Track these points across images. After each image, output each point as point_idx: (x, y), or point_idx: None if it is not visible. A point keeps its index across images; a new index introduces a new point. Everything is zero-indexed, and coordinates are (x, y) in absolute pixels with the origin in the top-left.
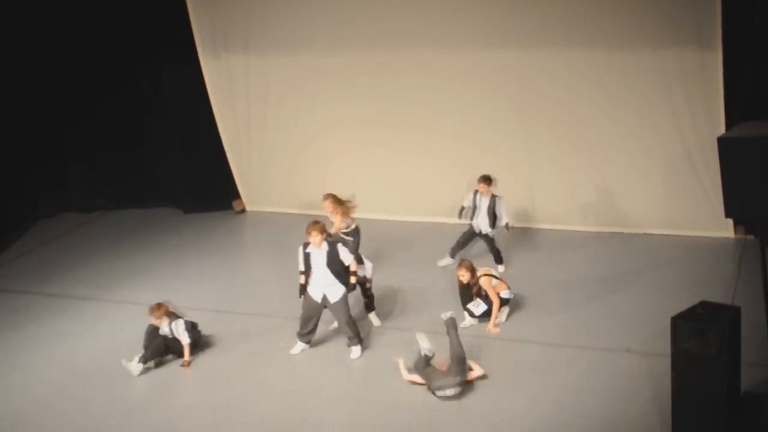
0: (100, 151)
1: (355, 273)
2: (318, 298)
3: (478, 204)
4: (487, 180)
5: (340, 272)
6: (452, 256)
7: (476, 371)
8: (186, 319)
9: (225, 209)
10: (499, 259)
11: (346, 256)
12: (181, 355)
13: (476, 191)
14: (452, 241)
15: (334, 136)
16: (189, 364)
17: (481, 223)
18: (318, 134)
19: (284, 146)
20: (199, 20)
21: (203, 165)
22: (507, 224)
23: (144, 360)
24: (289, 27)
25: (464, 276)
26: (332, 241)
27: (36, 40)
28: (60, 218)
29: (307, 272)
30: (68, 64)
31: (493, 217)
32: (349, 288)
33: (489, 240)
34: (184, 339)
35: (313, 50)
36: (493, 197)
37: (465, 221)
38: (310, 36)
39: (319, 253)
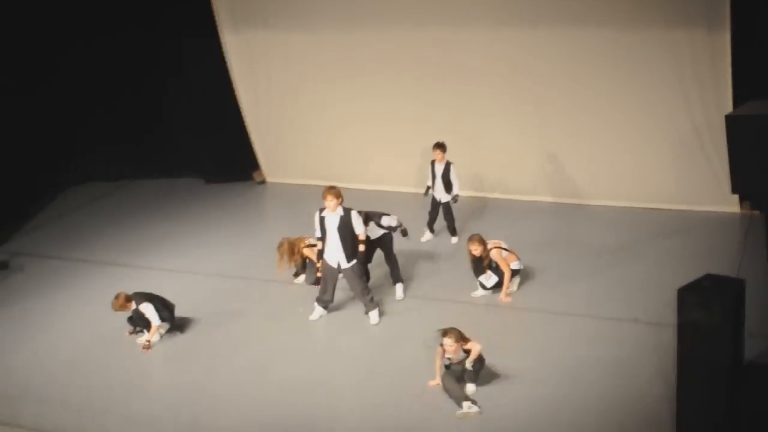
0: (125, 122)
1: (363, 242)
2: (333, 263)
3: (435, 172)
4: (441, 147)
5: (351, 239)
6: (431, 230)
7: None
8: (157, 303)
9: (246, 180)
10: (453, 231)
11: (358, 226)
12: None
13: (433, 161)
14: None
15: (351, 109)
16: (149, 346)
17: (438, 191)
18: (335, 108)
19: (303, 119)
20: None
21: (224, 137)
22: (456, 196)
23: (140, 331)
24: (308, 4)
25: (476, 249)
26: (348, 208)
27: (64, 14)
28: (87, 187)
29: (323, 237)
30: (95, 37)
31: (449, 184)
32: (358, 257)
33: (447, 209)
34: (154, 320)
35: (332, 26)
36: (448, 164)
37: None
38: (329, 11)
39: (333, 217)
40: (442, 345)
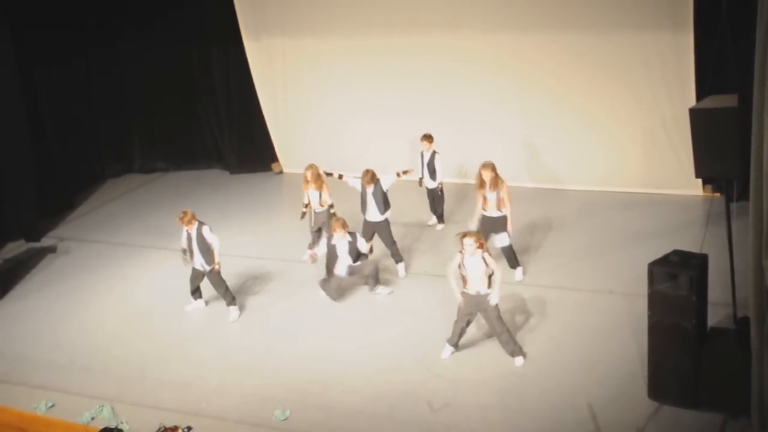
0: (159, 121)
1: (371, 252)
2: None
3: (422, 161)
4: (428, 137)
5: (358, 256)
6: (434, 213)
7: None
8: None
9: (266, 171)
10: (440, 218)
11: (363, 245)
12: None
13: (422, 151)
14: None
15: (357, 106)
16: (219, 265)
17: (425, 178)
18: (344, 105)
19: (315, 116)
20: (243, 9)
21: (247, 133)
22: (440, 184)
23: (196, 297)
24: (319, 14)
25: (488, 175)
26: (353, 232)
27: (100, 21)
28: (126, 178)
29: (332, 259)
30: (132, 42)
31: (434, 172)
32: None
33: (437, 197)
34: (215, 242)
35: (340, 34)
36: (433, 153)
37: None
38: (337, 22)
39: (342, 243)
40: (461, 251)
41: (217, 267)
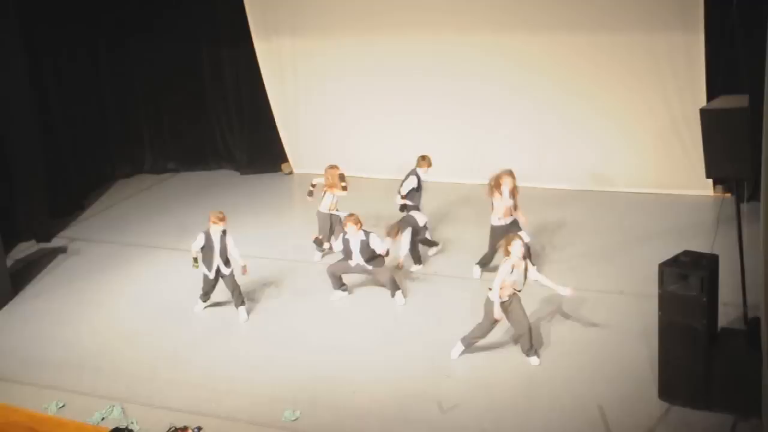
0: (170, 121)
1: (386, 255)
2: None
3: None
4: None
5: (373, 256)
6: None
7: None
8: None
9: (276, 171)
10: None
11: (378, 245)
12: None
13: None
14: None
15: (367, 108)
16: (246, 268)
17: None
18: (353, 107)
19: (325, 117)
20: (253, 9)
21: (257, 133)
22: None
23: (205, 299)
24: (329, 15)
25: (510, 183)
26: (367, 231)
27: (110, 21)
28: (136, 179)
29: (347, 255)
30: (146, 47)
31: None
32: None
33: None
34: (235, 251)
35: (351, 35)
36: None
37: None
38: (347, 23)
39: (354, 240)
40: (508, 254)
41: (243, 267)
